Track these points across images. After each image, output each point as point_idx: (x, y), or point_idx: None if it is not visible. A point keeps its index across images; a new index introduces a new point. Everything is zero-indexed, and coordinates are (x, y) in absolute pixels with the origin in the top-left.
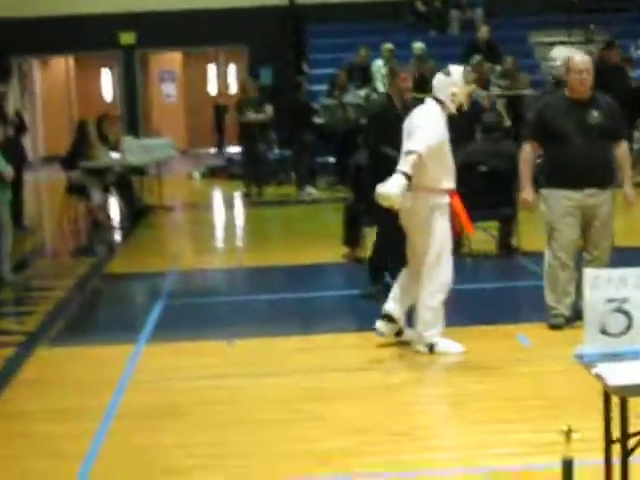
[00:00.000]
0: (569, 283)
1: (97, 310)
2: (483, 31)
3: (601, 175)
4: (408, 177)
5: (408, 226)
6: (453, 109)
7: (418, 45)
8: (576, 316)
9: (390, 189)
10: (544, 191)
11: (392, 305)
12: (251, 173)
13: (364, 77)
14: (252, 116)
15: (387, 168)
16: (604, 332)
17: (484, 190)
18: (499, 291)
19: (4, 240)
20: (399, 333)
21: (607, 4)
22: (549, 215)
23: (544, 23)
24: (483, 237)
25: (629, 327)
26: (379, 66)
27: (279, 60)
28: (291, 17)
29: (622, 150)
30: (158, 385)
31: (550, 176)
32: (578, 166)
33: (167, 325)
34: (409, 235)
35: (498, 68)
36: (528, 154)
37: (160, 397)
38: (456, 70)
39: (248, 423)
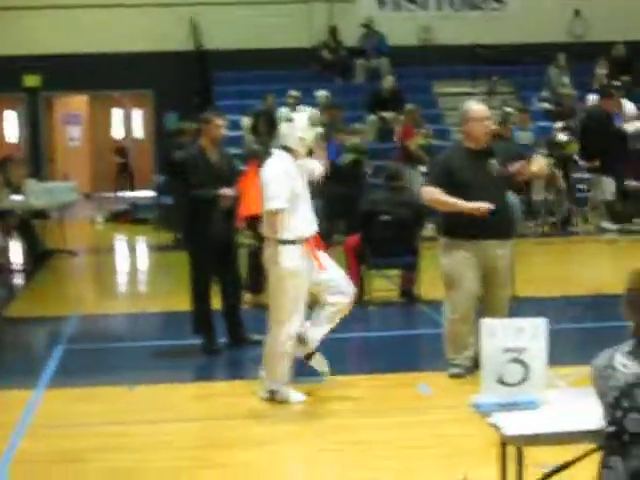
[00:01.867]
0: (469, 336)
1: None
2: (388, 80)
3: (501, 227)
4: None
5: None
6: (304, 153)
7: (321, 93)
8: (476, 365)
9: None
10: (443, 241)
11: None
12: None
13: (271, 124)
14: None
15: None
16: (501, 382)
17: (387, 239)
18: (400, 339)
19: None
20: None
21: (509, 55)
22: (448, 266)
23: (448, 74)
24: (386, 285)
25: (525, 377)
26: (285, 113)
27: (185, 106)
28: (198, 63)
29: None
30: (56, 431)
31: (450, 227)
32: (479, 218)
33: (67, 370)
34: None
35: (402, 117)
36: (436, 190)
37: (58, 443)
38: (299, 115)
39: (146, 470)
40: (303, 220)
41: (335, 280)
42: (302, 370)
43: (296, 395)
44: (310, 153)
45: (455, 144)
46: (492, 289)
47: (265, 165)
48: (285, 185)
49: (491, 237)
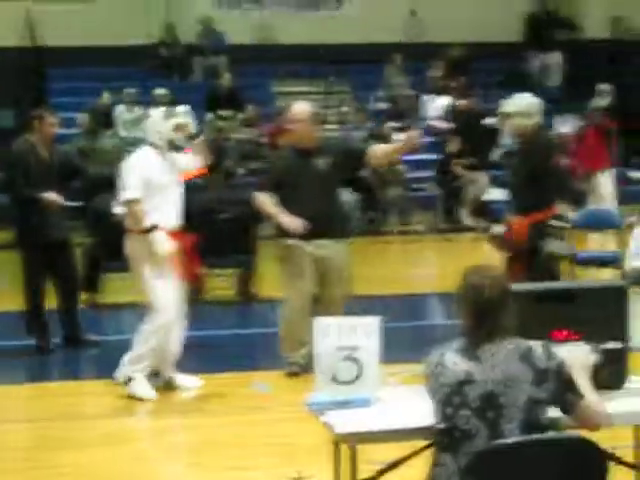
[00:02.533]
0: (305, 333)
1: None
2: (225, 79)
3: (330, 226)
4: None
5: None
6: (166, 146)
7: (160, 91)
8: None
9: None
10: (280, 241)
11: None
12: None
13: (107, 122)
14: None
15: None
16: (335, 380)
17: (223, 237)
18: (237, 338)
19: None
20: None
21: (347, 56)
22: (285, 265)
23: (287, 72)
24: (223, 284)
25: (359, 375)
26: (121, 111)
27: (20, 103)
28: (33, 59)
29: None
30: None
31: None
32: (306, 218)
33: None
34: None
35: (240, 116)
36: (264, 196)
37: None
38: (155, 111)
39: None
40: (161, 213)
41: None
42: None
43: (149, 391)
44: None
45: (285, 145)
46: (327, 288)
47: (129, 156)
48: (139, 176)
49: (320, 237)
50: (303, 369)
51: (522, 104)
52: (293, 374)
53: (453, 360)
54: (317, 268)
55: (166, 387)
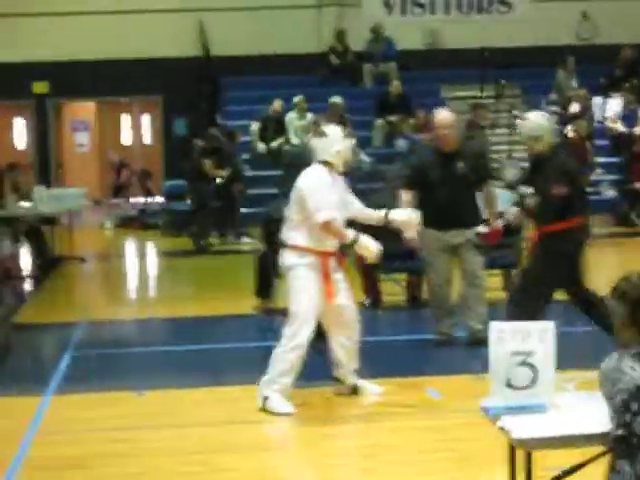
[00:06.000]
0: (448, 302)
1: (4, 360)
2: (395, 85)
3: (465, 218)
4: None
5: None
6: (341, 166)
7: (334, 99)
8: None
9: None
10: (420, 230)
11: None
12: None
13: (278, 129)
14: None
15: None
16: (509, 385)
17: (395, 243)
18: (408, 343)
19: None
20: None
21: (517, 59)
22: (424, 251)
23: (456, 77)
24: (394, 289)
25: (534, 380)
26: (292, 118)
27: (193, 111)
28: (206, 69)
29: (487, 192)
30: (64, 437)
31: (423, 218)
32: (443, 211)
33: (75, 376)
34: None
35: (411, 121)
36: (405, 198)
37: (66, 449)
38: (331, 129)
39: (155, 475)
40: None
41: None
42: (313, 374)
43: (287, 406)
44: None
45: (428, 147)
46: (465, 267)
47: (303, 177)
48: (327, 195)
49: (455, 227)
50: (449, 338)
51: None
52: (440, 343)
53: (630, 365)
54: (453, 252)
55: (351, 393)
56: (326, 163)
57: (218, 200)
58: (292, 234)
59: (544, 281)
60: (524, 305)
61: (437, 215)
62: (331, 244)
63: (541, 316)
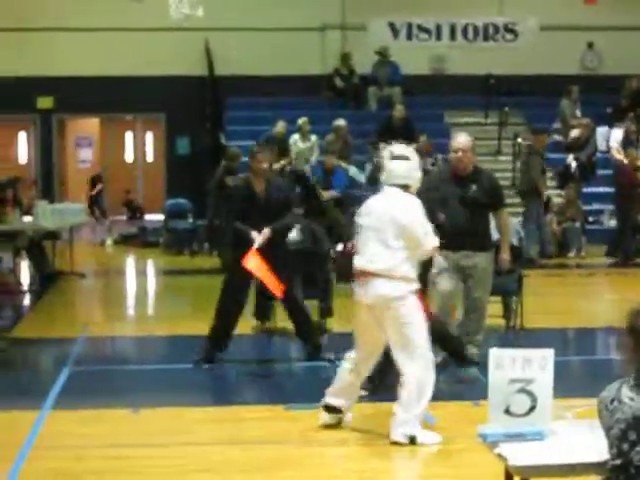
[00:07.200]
0: (450, 315)
1: (2, 374)
2: (398, 109)
3: (475, 240)
4: None
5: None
6: (415, 191)
7: (338, 122)
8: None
9: None
10: None
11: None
12: None
13: (283, 150)
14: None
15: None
16: (508, 412)
17: None
18: None
19: None
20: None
21: (522, 87)
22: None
23: (460, 104)
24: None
25: (532, 408)
26: (295, 140)
27: (196, 130)
28: (210, 88)
29: (500, 219)
30: (60, 453)
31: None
32: (454, 231)
33: (72, 392)
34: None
35: (413, 146)
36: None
37: (61, 465)
38: (411, 151)
39: None
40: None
41: None
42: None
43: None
44: None
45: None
46: (470, 290)
47: (403, 208)
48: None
49: (465, 249)
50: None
51: None
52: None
53: (630, 395)
54: (461, 274)
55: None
56: (405, 187)
57: None
58: (397, 264)
59: None
60: None
61: (446, 235)
62: None
63: None
